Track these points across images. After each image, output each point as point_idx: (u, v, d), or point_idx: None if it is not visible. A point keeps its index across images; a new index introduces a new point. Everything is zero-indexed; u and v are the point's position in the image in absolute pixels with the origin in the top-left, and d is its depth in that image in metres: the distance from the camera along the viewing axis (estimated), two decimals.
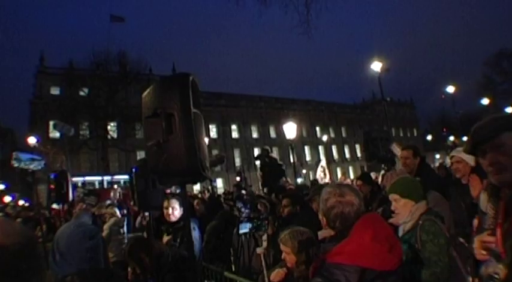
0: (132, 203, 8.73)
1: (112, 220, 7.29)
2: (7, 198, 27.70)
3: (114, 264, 7.00)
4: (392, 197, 2.58)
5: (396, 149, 5.66)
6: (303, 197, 5.08)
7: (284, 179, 9.19)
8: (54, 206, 9.75)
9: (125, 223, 7.67)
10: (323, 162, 14.56)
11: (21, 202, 24.08)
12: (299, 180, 19.52)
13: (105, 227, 7.26)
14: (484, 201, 1.67)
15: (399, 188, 2.58)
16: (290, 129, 18.04)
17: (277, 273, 2.67)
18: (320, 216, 1.94)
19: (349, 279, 1.54)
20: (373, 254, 1.60)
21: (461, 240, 2.02)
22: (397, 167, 6.18)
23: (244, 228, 4.18)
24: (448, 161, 12.30)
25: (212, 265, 4.31)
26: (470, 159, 3.51)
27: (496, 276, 1.38)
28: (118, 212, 7.80)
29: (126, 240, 7.30)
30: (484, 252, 1.56)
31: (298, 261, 2.45)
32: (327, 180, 12.83)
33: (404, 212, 2.48)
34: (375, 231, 1.68)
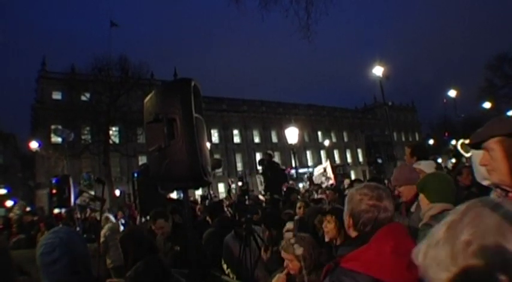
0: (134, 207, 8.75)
1: (106, 227, 7.32)
2: (9, 203, 27.70)
3: (113, 270, 6.98)
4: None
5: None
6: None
7: (287, 184, 9.14)
8: (57, 211, 9.73)
9: (121, 227, 7.72)
10: (325, 164, 13.91)
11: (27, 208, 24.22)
12: (301, 185, 19.43)
13: (101, 234, 7.28)
14: None
15: (420, 181, 2.48)
16: (292, 134, 18.00)
17: (278, 278, 2.62)
18: (345, 216, 1.77)
19: None
20: (390, 267, 1.46)
21: None
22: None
23: None
24: (449, 165, 12.25)
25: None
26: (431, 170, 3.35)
27: None
28: (112, 217, 7.86)
29: None
30: None
31: (302, 268, 2.41)
32: (332, 182, 12.48)
33: (423, 207, 2.36)
34: (397, 243, 1.54)
